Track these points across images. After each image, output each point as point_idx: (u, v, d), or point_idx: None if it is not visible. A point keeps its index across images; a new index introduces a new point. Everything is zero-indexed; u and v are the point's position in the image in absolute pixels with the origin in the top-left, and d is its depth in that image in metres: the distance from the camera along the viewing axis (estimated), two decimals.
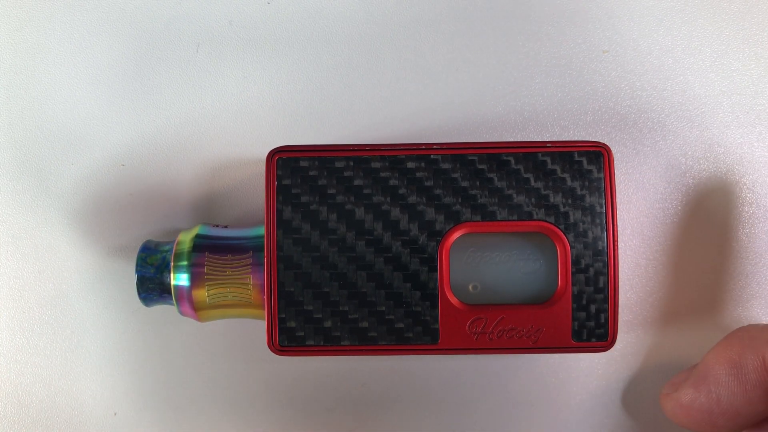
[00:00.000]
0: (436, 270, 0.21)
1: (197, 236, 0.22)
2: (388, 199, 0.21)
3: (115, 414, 0.25)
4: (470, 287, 0.21)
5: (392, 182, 0.21)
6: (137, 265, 0.22)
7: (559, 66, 0.26)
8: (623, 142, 0.26)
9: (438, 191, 0.21)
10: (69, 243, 0.26)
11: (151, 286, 0.22)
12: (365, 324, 0.21)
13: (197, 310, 0.22)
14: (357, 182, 0.21)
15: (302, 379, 0.25)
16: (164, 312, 0.25)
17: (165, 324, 0.25)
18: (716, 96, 0.26)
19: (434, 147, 0.21)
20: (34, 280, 0.26)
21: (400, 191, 0.21)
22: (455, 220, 0.21)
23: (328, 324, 0.21)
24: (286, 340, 0.21)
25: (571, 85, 0.26)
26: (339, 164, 0.21)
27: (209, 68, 0.26)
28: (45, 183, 0.26)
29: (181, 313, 0.22)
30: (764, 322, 0.20)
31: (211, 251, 0.22)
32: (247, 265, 0.22)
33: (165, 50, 0.26)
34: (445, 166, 0.21)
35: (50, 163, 0.26)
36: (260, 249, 0.22)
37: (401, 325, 0.21)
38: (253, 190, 0.26)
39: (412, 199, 0.21)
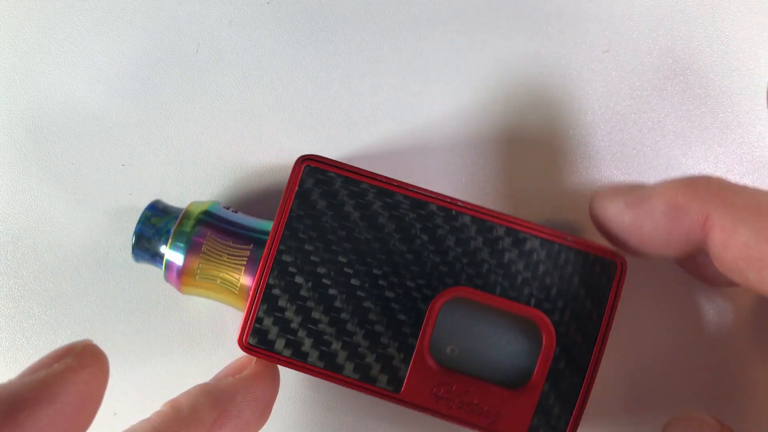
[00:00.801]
0: (421, 325, 0.21)
1: (206, 212, 0.22)
2: (398, 236, 0.21)
3: (115, 414, 0.25)
4: (449, 349, 0.21)
5: (407, 222, 0.21)
6: (139, 221, 0.22)
7: (559, 66, 0.26)
8: (623, 141, 0.26)
9: (448, 245, 0.21)
10: (69, 243, 0.26)
11: (147, 246, 0.22)
12: (336, 351, 0.21)
13: (182, 282, 0.22)
14: (373, 211, 0.21)
15: (302, 379, 0.25)
16: (164, 312, 0.25)
17: (165, 324, 0.25)
18: (716, 96, 0.26)
19: (458, 204, 0.21)
20: (34, 280, 0.26)
21: (412, 232, 0.21)
22: (455, 280, 0.21)
23: (301, 338, 0.21)
24: (257, 340, 0.21)
25: (571, 85, 0.26)
26: (362, 187, 0.21)
27: (209, 68, 0.26)
28: (45, 183, 0.26)
29: (166, 278, 0.22)
30: (734, 182, 0.20)
31: (215, 231, 0.22)
32: (245, 257, 0.22)
33: (165, 50, 0.26)
34: (463, 222, 0.21)
35: (50, 163, 0.26)
36: (262, 245, 0.22)
37: (370, 364, 0.21)
38: (254, 191, 0.26)
39: (421, 245, 0.21)
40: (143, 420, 0.19)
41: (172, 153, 0.26)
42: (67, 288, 0.26)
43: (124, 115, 0.26)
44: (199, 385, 0.20)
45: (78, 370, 0.16)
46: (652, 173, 0.25)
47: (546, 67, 0.26)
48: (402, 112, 0.26)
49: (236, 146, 0.26)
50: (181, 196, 0.26)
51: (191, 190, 0.26)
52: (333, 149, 0.26)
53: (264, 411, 0.21)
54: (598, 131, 0.26)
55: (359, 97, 0.26)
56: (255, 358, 0.21)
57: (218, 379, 0.21)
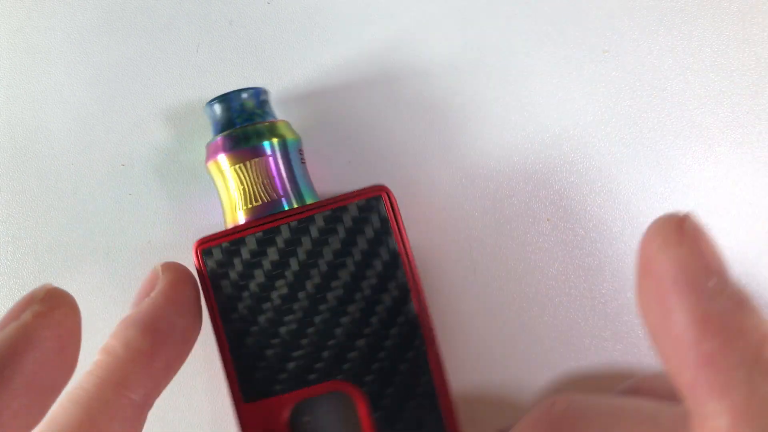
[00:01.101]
0: (309, 385, 0.21)
1: (283, 141, 0.22)
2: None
3: None
4: (306, 418, 0.21)
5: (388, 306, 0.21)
6: (239, 90, 0.22)
7: (559, 66, 0.26)
8: (624, 142, 0.26)
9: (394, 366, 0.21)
10: (69, 243, 0.26)
11: (221, 110, 0.22)
12: (247, 332, 0.21)
13: (213, 163, 0.22)
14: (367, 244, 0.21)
15: None
16: None
17: None
18: (716, 96, 0.26)
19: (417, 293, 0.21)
20: (35, 281, 0.26)
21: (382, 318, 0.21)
22: (365, 384, 0.21)
23: (233, 294, 0.21)
24: (212, 261, 0.21)
25: (571, 85, 0.26)
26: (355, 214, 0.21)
27: (209, 68, 0.26)
28: (45, 183, 0.26)
29: (207, 146, 0.23)
30: (575, 395, 0.19)
31: (272, 160, 0.22)
32: (270, 199, 0.22)
33: (165, 50, 0.26)
34: (416, 358, 0.21)
35: (50, 163, 0.26)
36: (282, 206, 0.22)
37: (253, 366, 0.21)
38: None
39: (374, 333, 0.21)
40: (85, 373, 0.18)
41: (172, 153, 0.26)
42: (67, 288, 0.25)
43: (124, 115, 0.26)
44: (121, 321, 0.19)
45: (48, 313, 0.16)
46: (651, 173, 0.25)
47: (546, 68, 0.26)
48: (402, 112, 0.26)
49: None
50: (181, 196, 0.26)
51: (192, 189, 0.26)
52: (334, 151, 0.26)
53: (195, 312, 0.20)
54: (598, 131, 0.26)
55: (359, 97, 0.26)
56: (161, 267, 0.20)
57: (135, 305, 0.20)
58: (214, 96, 0.23)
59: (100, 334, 0.25)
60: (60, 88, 0.26)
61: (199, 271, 0.21)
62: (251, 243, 0.21)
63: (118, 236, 0.26)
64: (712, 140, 0.26)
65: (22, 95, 0.26)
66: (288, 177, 0.22)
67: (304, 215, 0.21)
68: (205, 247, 0.21)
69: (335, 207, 0.21)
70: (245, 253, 0.21)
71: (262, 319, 0.21)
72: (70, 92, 0.26)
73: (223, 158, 0.22)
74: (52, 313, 0.16)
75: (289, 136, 0.22)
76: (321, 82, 0.26)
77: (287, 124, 0.23)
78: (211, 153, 0.22)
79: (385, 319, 0.21)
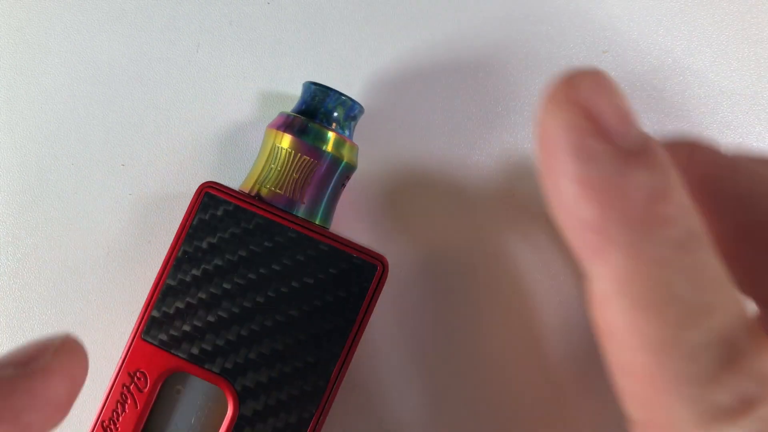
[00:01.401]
0: (192, 362, 0.21)
1: (339, 162, 0.22)
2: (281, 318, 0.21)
3: None
4: (178, 389, 0.22)
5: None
6: (342, 95, 0.23)
7: (559, 66, 0.26)
8: None
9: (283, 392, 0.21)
10: (69, 243, 0.26)
11: (316, 100, 0.23)
12: (179, 298, 0.21)
13: (275, 131, 0.22)
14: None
15: None
16: None
17: None
18: (716, 96, 0.26)
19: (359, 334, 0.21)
20: (35, 281, 0.26)
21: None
22: (243, 385, 0.21)
23: (199, 248, 0.21)
24: (207, 207, 0.21)
25: None
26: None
27: (209, 68, 0.26)
28: (45, 183, 0.26)
29: (282, 112, 0.23)
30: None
31: (320, 170, 0.22)
32: (291, 197, 0.22)
33: (165, 50, 0.26)
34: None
35: (50, 163, 0.26)
36: (295, 210, 0.22)
37: (165, 313, 0.21)
38: None
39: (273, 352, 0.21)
40: None
41: (172, 153, 0.26)
42: (67, 288, 0.26)
43: (124, 115, 0.26)
44: None
45: (65, 363, 0.15)
46: None
47: (546, 68, 0.26)
48: (402, 111, 0.26)
49: (236, 146, 0.26)
50: (181, 197, 0.26)
51: (192, 190, 0.26)
52: None
53: (56, 413, 0.16)
54: None
55: (358, 97, 0.26)
56: (58, 347, 0.17)
57: (2, 367, 0.16)
58: (318, 81, 0.23)
59: (99, 334, 0.26)
60: (60, 88, 0.26)
61: (191, 206, 0.21)
62: (250, 221, 0.21)
63: (118, 236, 0.26)
64: (711, 140, 0.26)
65: (22, 95, 0.26)
66: (318, 191, 0.22)
67: (306, 233, 0.21)
68: (211, 191, 0.21)
69: (333, 245, 0.21)
70: (238, 225, 0.21)
71: (205, 287, 0.21)
72: (70, 92, 0.26)
73: (287, 137, 0.22)
74: (68, 362, 0.15)
75: (346, 159, 0.23)
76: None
77: (354, 149, 0.23)
78: (281, 124, 0.22)
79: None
